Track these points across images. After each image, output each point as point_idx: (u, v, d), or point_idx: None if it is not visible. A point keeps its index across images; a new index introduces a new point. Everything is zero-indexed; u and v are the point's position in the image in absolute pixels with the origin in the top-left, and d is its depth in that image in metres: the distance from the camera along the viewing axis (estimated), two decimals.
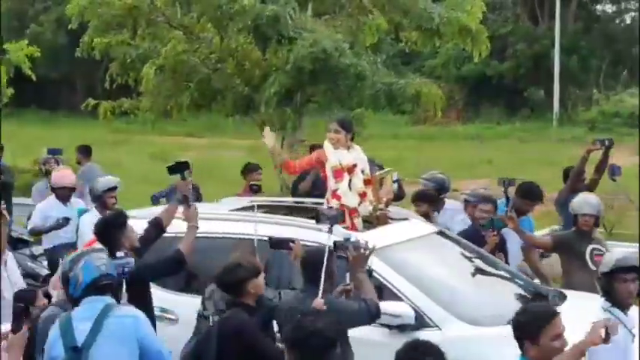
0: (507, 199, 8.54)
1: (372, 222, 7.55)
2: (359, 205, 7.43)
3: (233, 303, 5.74)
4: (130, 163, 21.82)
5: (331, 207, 7.13)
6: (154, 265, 6.48)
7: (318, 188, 10.95)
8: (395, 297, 6.52)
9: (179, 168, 6.90)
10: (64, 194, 9.84)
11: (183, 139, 28.69)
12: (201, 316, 6.26)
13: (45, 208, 9.85)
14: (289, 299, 6.08)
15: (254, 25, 10.50)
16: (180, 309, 6.94)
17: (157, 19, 11.63)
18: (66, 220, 9.49)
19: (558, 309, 5.16)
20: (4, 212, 7.45)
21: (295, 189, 11.40)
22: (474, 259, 7.73)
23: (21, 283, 7.41)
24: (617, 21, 42.39)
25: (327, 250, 5.85)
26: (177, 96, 11.34)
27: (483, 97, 38.19)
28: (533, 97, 39.23)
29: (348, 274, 6.04)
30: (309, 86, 10.93)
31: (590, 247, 7.99)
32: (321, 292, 5.58)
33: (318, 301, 5.48)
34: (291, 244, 6.52)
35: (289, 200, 9.30)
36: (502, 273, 7.71)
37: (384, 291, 6.49)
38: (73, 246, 8.94)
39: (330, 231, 6.25)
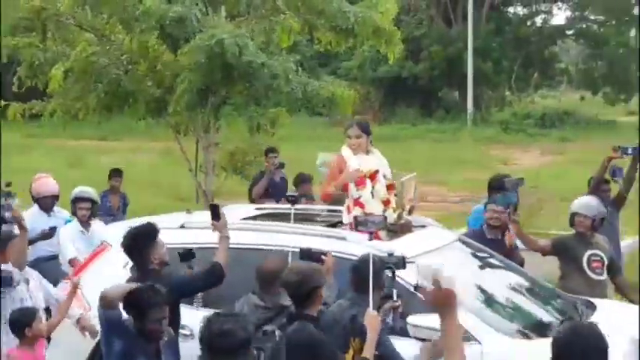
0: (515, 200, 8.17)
1: (395, 230, 7.11)
2: (383, 212, 7.01)
3: (298, 315, 5.25)
4: (46, 168, 21.33)
5: (371, 213, 6.72)
6: (193, 281, 6.06)
7: (273, 193, 10.88)
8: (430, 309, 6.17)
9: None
10: (46, 204, 9.13)
11: (98, 142, 28.21)
12: None
13: (28, 220, 8.27)
14: (333, 309, 5.66)
15: (160, 26, 10.36)
16: (196, 324, 6.51)
17: (67, 22, 11.38)
18: (52, 230, 8.69)
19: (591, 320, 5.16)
20: (24, 224, 6.90)
21: (250, 193, 11.27)
22: (497, 267, 7.43)
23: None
24: (529, 23, 43.20)
25: (370, 257, 5.45)
26: (85, 98, 11.09)
27: (399, 98, 38.53)
28: (447, 99, 39.78)
29: (395, 291, 5.58)
30: (223, 87, 10.80)
31: (589, 252, 7.83)
32: (371, 303, 5.21)
33: (371, 315, 5.14)
34: (323, 256, 6.06)
35: (312, 208, 8.72)
36: (525, 281, 7.39)
37: (418, 303, 5.79)
38: (55, 258, 8.60)
39: (370, 238, 6.04)
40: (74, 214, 8.84)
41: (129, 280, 5.73)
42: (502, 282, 7.20)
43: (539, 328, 6.55)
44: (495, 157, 25.68)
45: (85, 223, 8.78)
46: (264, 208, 8.30)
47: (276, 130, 11.71)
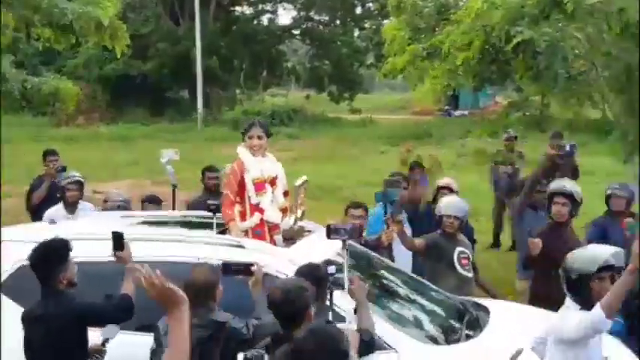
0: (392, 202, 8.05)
1: (292, 236, 6.82)
2: (281, 219, 6.79)
3: (287, 337, 4.61)
4: None
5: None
6: (102, 312, 5.32)
7: (54, 196, 10.02)
8: (342, 319, 5.71)
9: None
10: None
11: None
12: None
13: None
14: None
15: None
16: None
17: None
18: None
19: (489, 324, 4.92)
20: None
21: (28, 199, 10.43)
22: (391, 272, 7.25)
23: None
24: (256, 22, 43.70)
25: (345, 264, 5.32)
26: None
27: (127, 97, 37.60)
28: (177, 97, 39.39)
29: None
30: None
31: (458, 249, 7.89)
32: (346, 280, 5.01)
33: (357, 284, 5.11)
34: (252, 268, 5.56)
35: (175, 215, 8.34)
36: (421, 286, 7.25)
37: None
38: None
39: (344, 247, 5.60)
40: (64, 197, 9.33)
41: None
42: (398, 287, 7.06)
43: (446, 333, 6.40)
44: (227, 157, 25.59)
45: (71, 206, 9.21)
46: (134, 216, 7.73)
47: None
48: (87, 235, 6.43)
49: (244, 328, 5.32)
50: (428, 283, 7.53)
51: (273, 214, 6.95)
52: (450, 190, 9.59)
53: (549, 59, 9.27)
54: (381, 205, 8.32)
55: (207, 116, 35.85)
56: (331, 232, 5.92)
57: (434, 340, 6.19)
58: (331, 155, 25.42)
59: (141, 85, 37.39)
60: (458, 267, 7.81)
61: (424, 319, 6.62)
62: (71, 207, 9.27)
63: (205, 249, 6.20)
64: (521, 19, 9.37)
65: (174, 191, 10.07)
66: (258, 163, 6.96)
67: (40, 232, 6.48)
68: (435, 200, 9.58)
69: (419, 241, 8.06)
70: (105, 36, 11.15)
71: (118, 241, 5.60)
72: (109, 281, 5.67)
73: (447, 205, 8.10)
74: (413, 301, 6.88)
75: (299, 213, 7.07)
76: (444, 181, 9.99)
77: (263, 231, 6.90)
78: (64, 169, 10.48)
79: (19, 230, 7.07)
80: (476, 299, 7.38)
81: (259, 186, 6.89)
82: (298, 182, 7.14)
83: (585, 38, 10.23)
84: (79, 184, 9.45)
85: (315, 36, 42.95)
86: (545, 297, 7.42)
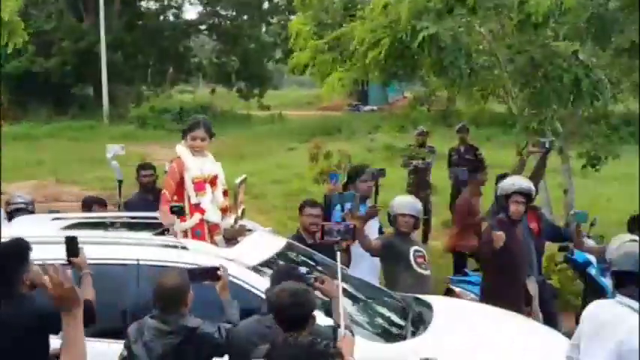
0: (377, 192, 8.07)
1: (233, 236, 6.74)
2: (222, 219, 6.71)
3: (289, 343, 4.30)
4: None
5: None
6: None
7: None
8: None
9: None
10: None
11: None
12: None
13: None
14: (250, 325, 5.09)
15: None
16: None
17: None
18: None
19: (433, 321, 4.93)
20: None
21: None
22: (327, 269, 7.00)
23: None
24: (162, 18, 43.17)
25: (338, 266, 5.19)
26: None
27: (30, 95, 36.67)
28: (82, 95, 38.61)
29: None
30: None
31: (413, 248, 7.84)
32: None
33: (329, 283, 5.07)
34: (218, 272, 5.38)
35: (110, 215, 8.11)
36: (365, 286, 7.17)
37: None
38: None
39: (339, 248, 5.45)
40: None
41: None
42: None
43: (392, 331, 6.37)
44: (134, 154, 25.27)
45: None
46: (67, 218, 7.48)
47: None
48: (34, 239, 6.22)
49: (216, 332, 5.18)
50: (373, 283, 7.54)
51: (213, 214, 6.87)
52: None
53: (453, 54, 9.37)
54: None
55: (113, 113, 35.24)
56: (325, 233, 5.83)
57: (380, 338, 6.18)
58: (240, 152, 25.26)
59: (44, 82, 36.51)
60: (414, 265, 7.77)
61: (369, 317, 6.60)
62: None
63: (146, 251, 6.08)
64: (426, 14, 9.44)
65: (120, 187, 9.83)
66: (198, 162, 6.85)
67: None
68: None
69: (375, 242, 8.00)
70: (3, 32, 10.86)
71: (72, 246, 5.34)
72: None
73: (401, 204, 8.04)
74: (358, 300, 6.83)
75: (239, 212, 7.00)
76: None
77: (203, 231, 6.81)
78: None
79: None
80: (420, 296, 7.34)
81: (199, 185, 6.79)
82: (237, 180, 7.09)
83: (488, 33, 10.38)
84: None
85: (222, 31, 42.66)
86: (500, 294, 7.58)
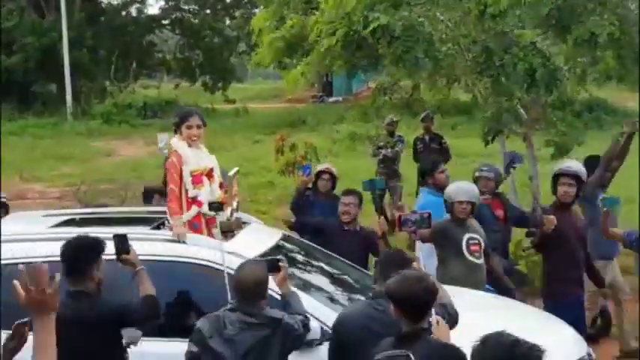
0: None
1: (230, 229, 6.71)
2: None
3: (416, 332, 4.45)
4: None
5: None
6: (135, 311, 5.17)
7: None
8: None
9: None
10: None
11: None
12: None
13: None
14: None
15: None
16: None
17: None
18: None
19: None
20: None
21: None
22: (330, 261, 7.17)
23: None
24: (124, 13, 42.83)
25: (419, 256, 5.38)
26: None
27: None
28: (44, 92, 38.21)
29: None
30: None
31: (467, 235, 7.64)
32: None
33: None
34: (280, 263, 5.39)
35: (112, 211, 8.20)
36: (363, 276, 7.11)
37: None
38: None
39: (416, 238, 5.69)
40: None
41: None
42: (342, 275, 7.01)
43: None
44: (98, 150, 25.16)
45: None
46: (57, 215, 7.45)
47: None
48: (23, 236, 6.28)
49: (295, 324, 5.19)
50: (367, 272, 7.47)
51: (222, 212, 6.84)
52: (331, 175, 9.62)
53: (406, 44, 9.43)
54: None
55: (77, 110, 34.95)
56: (402, 224, 5.84)
57: None
58: (205, 146, 25.15)
59: (6, 80, 36.11)
60: (466, 253, 7.61)
61: None
62: None
63: (144, 245, 6.02)
64: (379, 4, 9.49)
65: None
66: (194, 155, 6.80)
67: None
68: (315, 185, 9.59)
69: (424, 230, 7.84)
70: None
71: (123, 243, 5.33)
72: None
73: (458, 190, 7.87)
74: (355, 290, 6.84)
75: (234, 204, 6.98)
76: (323, 165, 10.01)
77: (200, 224, 6.76)
78: None
79: None
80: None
81: (197, 179, 6.73)
82: (231, 173, 7.09)
83: (449, 21, 10.45)
84: None
85: (185, 26, 42.43)
86: (560, 277, 7.66)
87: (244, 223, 7.19)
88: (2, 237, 5.89)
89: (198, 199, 6.73)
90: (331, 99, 39.41)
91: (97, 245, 5.21)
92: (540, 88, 9.97)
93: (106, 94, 39.10)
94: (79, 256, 5.14)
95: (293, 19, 10.97)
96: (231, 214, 6.92)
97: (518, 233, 10.34)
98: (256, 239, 6.67)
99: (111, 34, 39.03)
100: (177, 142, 6.83)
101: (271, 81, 49.84)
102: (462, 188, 7.90)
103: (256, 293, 5.13)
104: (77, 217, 7.53)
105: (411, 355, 4.14)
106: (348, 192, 8.41)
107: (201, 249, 6.05)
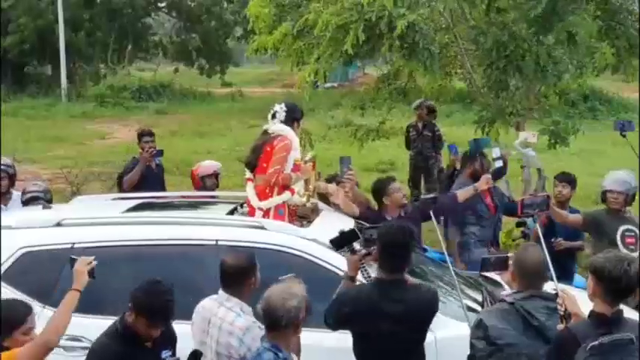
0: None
1: (307, 215, 6.88)
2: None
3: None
4: None
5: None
6: None
7: (148, 182, 9.38)
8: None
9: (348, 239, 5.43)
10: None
11: None
12: None
13: None
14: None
15: None
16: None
17: None
18: None
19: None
20: None
21: (120, 182, 9.82)
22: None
23: None
24: None
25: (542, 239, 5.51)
26: None
27: None
28: (39, 73, 38.12)
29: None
30: None
31: (622, 227, 7.47)
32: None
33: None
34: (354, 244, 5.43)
35: (173, 195, 8.41)
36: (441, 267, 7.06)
37: None
38: None
39: (534, 220, 5.97)
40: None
41: None
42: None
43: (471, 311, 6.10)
44: (92, 132, 25.12)
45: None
46: (127, 198, 7.61)
47: None
48: (100, 220, 6.33)
49: None
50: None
51: (298, 197, 7.01)
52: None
53: (426, 38, 9.50)
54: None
55: (71, 92, 34.87)
56: (525, 206, 5.88)
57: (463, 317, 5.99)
58: (200, 130, 25.16)
59: (2, 61, 35.99)
60: (620, 245, 7.37)
61: (450, 299, 6.38)
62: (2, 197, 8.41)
63: (223, 230, 6.06)
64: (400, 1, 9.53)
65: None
66: (298, 146, 7.11)
67: (39, 216, 6.41)
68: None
69: (573, 216, 7.78)
70: None
71: (350, 240, 5.47)
72: (118, 266, 5.73)
73: (612, 179, 7.69)
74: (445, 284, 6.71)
75: (310, 190, 7.11)
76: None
77: (285, 211, 6.88)
78: (160, 152, 9.96)
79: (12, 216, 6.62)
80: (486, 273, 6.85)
81: (297, 167, 6.95)
82: (307, 158, 7.17)
83: (448, 12, 10.47)
84: (8, 172, 8.60)
85: (183, 9, 42.24)
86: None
87: (320, 209, 7.27)
88: (79, 221, 6.19)
89: (292, 186, 6.94)
90: (326, 85, 39.31)
91: (253, 261, 5.29)
92: (549, 78, 10.03)
93: (100, 76, 39.00)
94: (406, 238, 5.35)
95: (294, 10, 10.90)
96: (308, 199, 7.03)
97: (509, 223, 10.36)
98: (332, 226, 6.50)
99: (107, 16, 38.84)
100: (289, 130, 7.06)
101: (268, 65, 49.73)
102: (614, 178, 7.73)
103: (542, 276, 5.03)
104: (147, 201, 7.53)
105: (634, 337, 4.15)
106: (394, 179, 8.28)
107: (280, 235, 6.03)
